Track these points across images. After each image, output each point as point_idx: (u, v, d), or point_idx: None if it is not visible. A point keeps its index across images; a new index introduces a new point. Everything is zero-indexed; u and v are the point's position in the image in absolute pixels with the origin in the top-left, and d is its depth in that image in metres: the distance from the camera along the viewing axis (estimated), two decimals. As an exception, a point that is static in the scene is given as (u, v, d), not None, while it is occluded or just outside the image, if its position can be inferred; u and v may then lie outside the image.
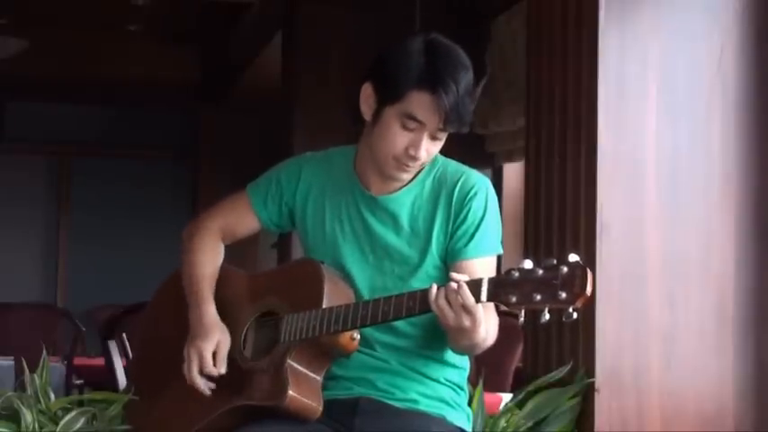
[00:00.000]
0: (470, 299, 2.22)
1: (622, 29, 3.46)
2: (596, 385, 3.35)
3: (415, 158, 2.45)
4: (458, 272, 2.46)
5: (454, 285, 2.24)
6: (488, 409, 3.31)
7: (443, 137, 2.49)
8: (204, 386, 2.52)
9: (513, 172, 6.35)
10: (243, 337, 2.54)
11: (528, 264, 2.18)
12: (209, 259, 2.67)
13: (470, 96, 2.45)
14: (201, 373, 2.52)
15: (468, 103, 2.45)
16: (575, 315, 2.12)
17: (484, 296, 2.22)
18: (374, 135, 2.49)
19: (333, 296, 2.45)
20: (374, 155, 2.52)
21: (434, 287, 2.27)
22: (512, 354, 4.76)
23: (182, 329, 2.61)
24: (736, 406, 3.49)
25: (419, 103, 2.41)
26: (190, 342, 2.55)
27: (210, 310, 2.58)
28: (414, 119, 2.42)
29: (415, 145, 2.44)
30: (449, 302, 2.24)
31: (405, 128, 2.43)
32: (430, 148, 2.48)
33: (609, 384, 3.36)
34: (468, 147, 6.09)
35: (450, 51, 2.46)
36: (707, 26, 3.56)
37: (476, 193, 2.52)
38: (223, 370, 2.52)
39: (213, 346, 2.52)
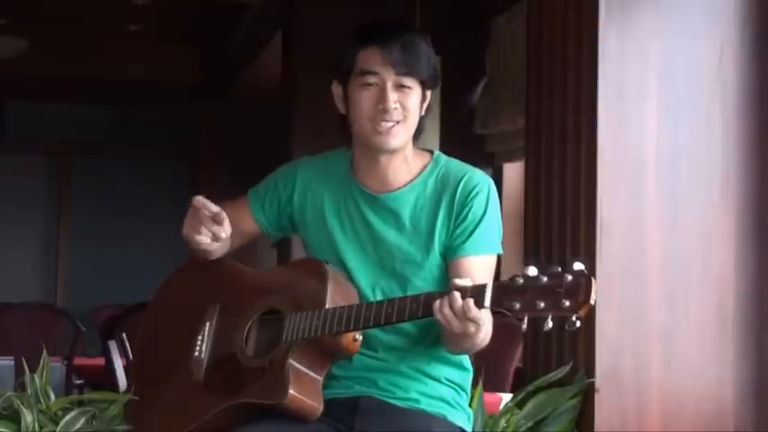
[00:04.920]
0: (474, 310, 2.22)
1: (622, 29, 3.46)
2: (596, 385, 3.35)
3: (385, 110, 2.47)
4: (456, 269, 2.47)
5: (457, 295, 2.24)
6: (488, 409, 3.31)
7: (411, 86, 2.50)
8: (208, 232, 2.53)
9: (513, 172, 6.35)
10: (245, 334, 2.54)
11: (532, 271, 2.17)
12: None
13: (417, 42, 2.51)
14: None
15: (415, 47, 2.50)
16: (578, 324, 2.12)
17: (487, 302, 2.22)
18: (351, 118, 2.54)
19: (337, 296, 2.45)
20: (357, 135, 2.55)
21: (437, 303, 2.27)
22: (512, 354, 4.76)
23: (183, 328, 2.61)
24: (736, 406, 3.49)
25: (367, 56, 2.50)
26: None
27: None
28: (368, 72, 2.49)
29: (382, 97, 2.48)
30: (453, 312, 2.24)
31: (366, 87, 2.49)
32: (403, 100, 2.49)
33: (609, 384, 3.36)
34: (468, 147, 6.14)
35: (386, 18, 2.57)
36: (707, 26, 3.56)
37: (477, 193, 2.52)
38: (228, 231, 2.54)
39: (216, 209, 2.54)
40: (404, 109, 2.50)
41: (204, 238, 2.56)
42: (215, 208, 2.53)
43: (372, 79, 2.49)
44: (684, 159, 3.52)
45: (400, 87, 2.49)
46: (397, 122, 2.50)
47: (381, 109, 2.48)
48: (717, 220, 3.53)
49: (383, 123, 2.49)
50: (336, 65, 2.56)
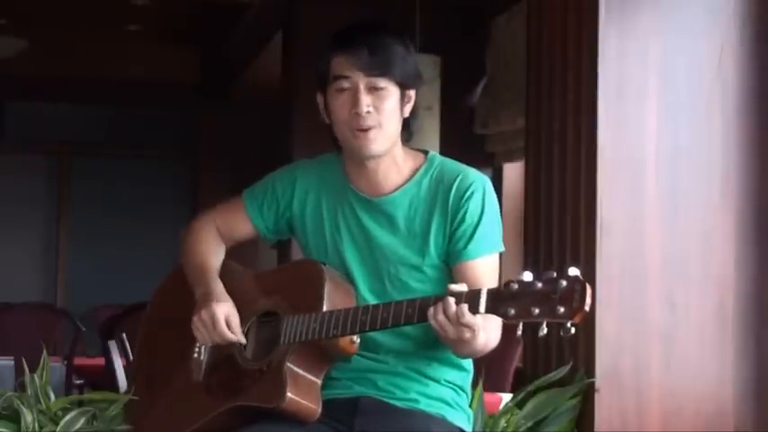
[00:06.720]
0: (468, 316, 2.22)
1: (622, 29, 3.46)
2: (596, 385, 3.34)
3: (358, 114, 2.46)
4: (460, 273, 2.47)
5: (452, 300, 2.23)
6: (488, 409, 3.31)
7: (386, 87, 2.48)
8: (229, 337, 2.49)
9: (513, 172, 6.35)
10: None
11: (527, 276, 2.17)
12: (212, 250, 2.68)
13: (388, 43, 2.50)
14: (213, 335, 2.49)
15: (386, 48, 2.49)
16: (572, 330, 2.12)
17: (482, 308, 2.21)
18: (333, 126, 2.54)
19: (334, 297, 2.45)
20: (342, 143, 2.55)
21: (431, 309, 2.26)
22: (512, 354, 4.76)
23: (182, 330, 2.61)
24: (736, 406, 3.49)
25: (338, 62, 2.50)
26: (198, 310, 2.51)
27: (220, 287, 2.57)
28: (340, 77, 2.48)
29: (354, 101, 2.47)
30: (447, 318, 2.24)
31: (340, 92, 2.49)
32: (377, 104, 2.48)
33: (609, 384, 3.36)
34: (468, 147, 6.14)
35: (357, 22, 2.57)
36: (707, 26, 3.56)
37: (472, 193, 2.51)
38: (243, 340, 2.51)
39: (226, 311, 2.50)
40: (379, 113, 2.48)
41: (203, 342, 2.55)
42: (234, 339, 2.51)
43: (345, 84, 2.48)
44: (684, 159, 3.52)
45: (374, 90, 2.48)
46: (373, 127, 2.48)
47: (355, 113, 2.47)
48: (717, 219, 3.53)
49: (358, 128, 2.48)
50: (316, 75, 2.56)
